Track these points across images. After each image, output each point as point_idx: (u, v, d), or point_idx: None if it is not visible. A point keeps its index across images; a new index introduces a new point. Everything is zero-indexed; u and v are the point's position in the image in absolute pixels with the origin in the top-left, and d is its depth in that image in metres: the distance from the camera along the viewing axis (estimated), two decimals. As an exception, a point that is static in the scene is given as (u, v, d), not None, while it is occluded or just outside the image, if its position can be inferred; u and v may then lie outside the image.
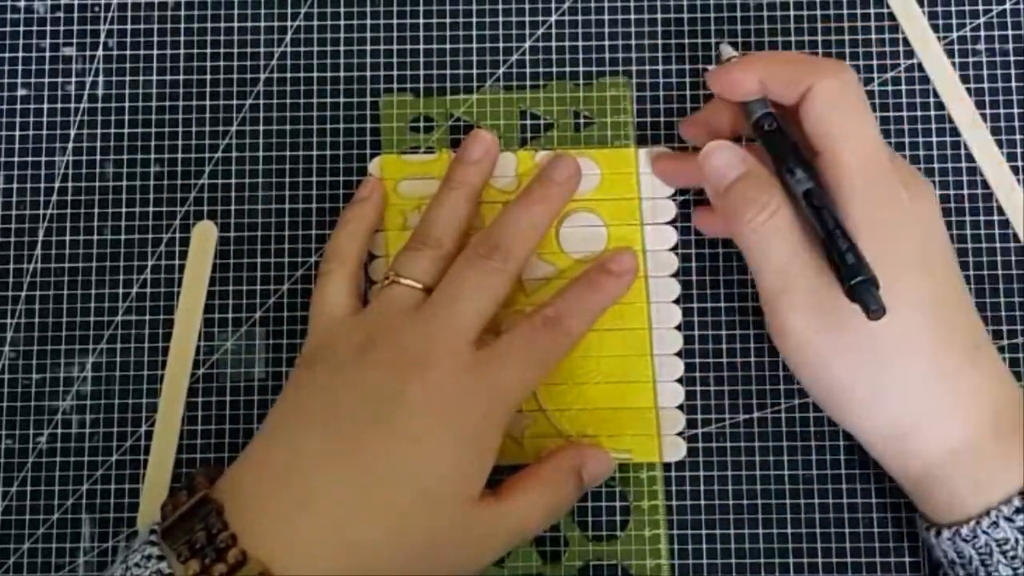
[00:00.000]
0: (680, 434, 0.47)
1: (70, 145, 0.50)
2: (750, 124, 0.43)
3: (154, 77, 0.50)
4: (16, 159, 0.50)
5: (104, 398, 0.48)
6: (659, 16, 0.50)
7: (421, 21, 0.50)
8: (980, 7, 0.50)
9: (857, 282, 0.39)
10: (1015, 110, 0.49)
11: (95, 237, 0.49)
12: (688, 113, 0.49)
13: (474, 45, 0.50)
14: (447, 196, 0.46)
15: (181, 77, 0.50)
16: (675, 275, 0.47)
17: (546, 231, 0.46)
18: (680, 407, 0.47)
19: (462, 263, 0.44)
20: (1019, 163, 0.49)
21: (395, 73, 0.50)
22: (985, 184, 0.48)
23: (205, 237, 0.49)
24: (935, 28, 0.50)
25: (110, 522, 0.47)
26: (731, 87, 0.44)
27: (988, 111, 0.49)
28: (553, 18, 0.50)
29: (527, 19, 0.50)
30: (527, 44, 0.50)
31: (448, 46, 0.50)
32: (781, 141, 0.42)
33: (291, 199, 0.49)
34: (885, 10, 0.50)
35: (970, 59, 0.49)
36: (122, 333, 0.48)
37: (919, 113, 0.49)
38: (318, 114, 0.50)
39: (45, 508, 0.47)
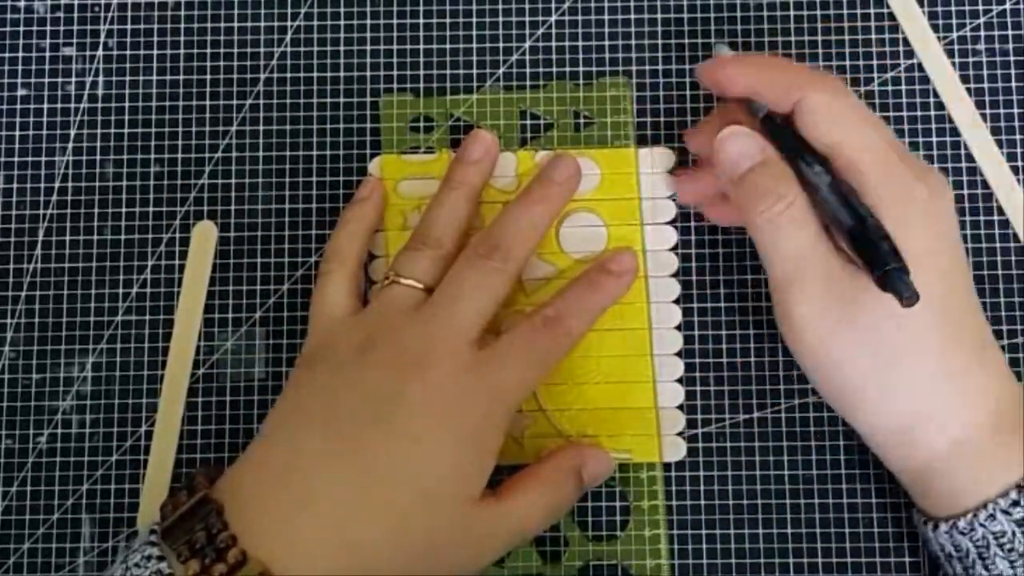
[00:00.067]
0: (680, 434, 0.47)
1: (70, 145, 0.50)
2: (759, 120, 0.43)
3: (154, 77, 0.50)
4: (16, 159, 0.50)
5: (104, 398, 0.48)
6: (659, 16, 0.50)
7: (421, 21, 0.50)
8: (980, 7, 0.50)
9: (891, 268, 0.39)
10: (1015, 110, 0.49)
11: (95, 237, 0.49)
12: (688, 113, 0.49)
13: (474, 45, 0.50)
14: (447, 196, 0.46)
15: (181, 77, 0.50)
16: (675, 275, 0.47)
17: (546, 231, 0.46)
18: (680, 407, 0.47)
19: (462, 263, 0.44)
20: (1019, 163, 0.49)
21: (395, 73, 0.50)
22: (985, 184, 0.48)
23: (205, 237, 0.49)
24: (935, 28, 0.50)
25: (110, 522, 0.47)
26: (725, 82, 0.43)
27: (988, 111, 0.49)
28: (553, 18, 0.50)
29: (527, 19, 0.50)
30: (527, 44, 0.50)
31: (448, 46, 0.50)
32: (794, 135, 0.42)
33: (291, 199, 0.49)
34: (885, 10, 0.50)
35: (970, 59, 0.49)
36: (122, 333, 0.48)
37: (919, 113, 0.49)
38: (318, 114, 0.50)
39: (45, 508, 0.47)
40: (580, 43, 0.50)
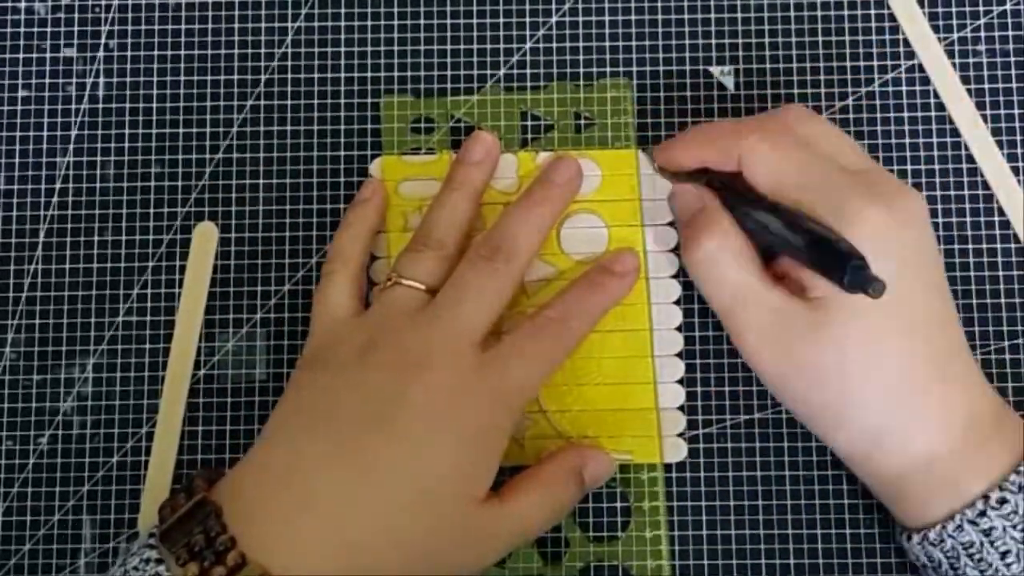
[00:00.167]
0: (681, 435, 0.47)
1: (71, 146, 0.50)
2: (703, 183, 0.45)
3: (155, 78, 0.50)
4: (17, 160, 0.50)
5: (105, 399, 0.48)
6: (659, 17, 0.50)
7: (421, 22, 0.50)
8: (980, 8, 0.50)
9: (851, 264, 0.39)
10: (1015, 110, 0.49)
11: (96, 238, 0.49)
12: (688, 114, 0.49)
13: (474, 46, 0.50)
14: (448, 197, 0.46)
15: (182, 78, 0.50)
16: (676, 276, 0.47)
17: (548, 233, 0.46)
18: (681, 408, 0.47)
19: (466, 265, 0.44)
20: (1019, 163, 0.49)
21: (396, 74, 0.50)
22: (985, 184, 0.49)
23: (206, 238, 0.49)
24: (935, 29, 0.50)
25: (111, 523, 0.47)
26: (675, 164, 0.46)
27: (988, 111, 0.49)
28: (554, 19, 0.50)
29: (527, 20, 0.50)
30: (528, 45, 0.50)
31: (448, 47, 0.50)
32: (736, 188, 0.44)
33: (292, 200, 0.49)
34: (885, 10, 0.50)
35: (970, 60, 0.49)
36: (123, 334, 0.48)
37: (919, 113, 0.49)
38: (319, 115, 0.50)
39: (46, 509, 0.47)
40: (581, 44, 0.50)
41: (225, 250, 0.49)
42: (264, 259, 0.49)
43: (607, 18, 0.50)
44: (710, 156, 0.45)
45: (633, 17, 0.50)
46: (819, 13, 0.50)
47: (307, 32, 0.50)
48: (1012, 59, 0.49)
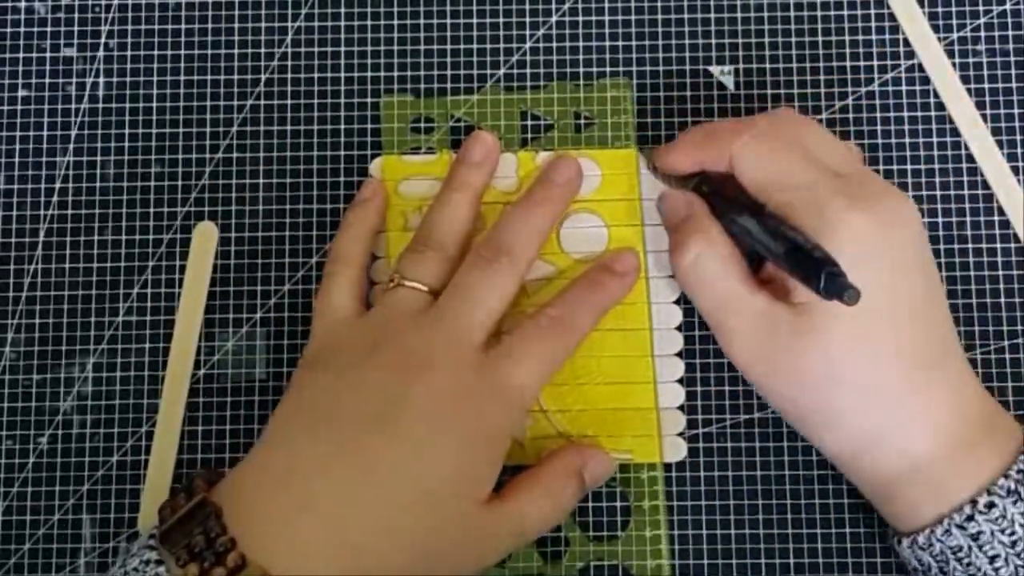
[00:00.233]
0: (681, 434, 0.47)
1: (71, 146, 0.50)
2: (691, 188, 0.46)
3: (155, 78, 0.50)
4: (17, 160, 0.50)
5: (105, 399, 0.48)
6: (659, 17, 0.50)
7: (421, 22, 0.50)
8: (980, 7, 0.50)
9: (825, 272, 0.39)
10: (1015, 110, 0.49)
11: (96, 238, 0.49)
12: (688, 114, 0.49)
13: (474, 45, 0.50)
14: (449, 198, 0.46)
15: (182, 78, 0.50)
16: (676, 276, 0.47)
17: (549, 233, 0.46)
18: (681, 408, 0.47)
19: (468, 267, 0.44)
20: (1019, 163, 0.49)
21: (395, 74, 0.50)
22: (985, 184, 0.49)
23: (206, 238, 0.49)
24: (935, 28, 0.50)
25: (111, 523, 0.47)
26: (672, 169, 0.46)
27: (988, 111, 0.49)
28: (553, 19, 0.50)
29: (527, 19, 0.50)
30: (527, 45, 0.50)
31: (448, 46, 0.50)
32: (723, 193, 0.45)
33: (292, 200, 0.49)
34: (885, 10, 0.50)
35: (970, 59, 0.49)
36: (123, 334, 0.48)
37: (919, 113, 0.49)
38: (319, 115, 0.50)
39: (46, 509, 0.47)
40: (581, 44, 0.50)
41: (225, 250, 0.49)
42: (264, 259, 0.49)
43: (607, 18, 0.50)
44: (705, 157, 0.45)
45: (633, 17, 0.50)
46: (819, 13, 0.50)
47: (307, 32, 0.50)
48: (1012, 59, 0.49)
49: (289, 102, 0.50)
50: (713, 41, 0.50)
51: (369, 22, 0.50)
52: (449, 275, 0.44)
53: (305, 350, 0.45)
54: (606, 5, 0.50)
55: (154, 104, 0.50)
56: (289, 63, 0.50)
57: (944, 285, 0.47)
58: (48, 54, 0.50)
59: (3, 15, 0.51)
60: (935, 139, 0.49)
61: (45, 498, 0.48)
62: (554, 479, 0.44)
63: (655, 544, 0.46)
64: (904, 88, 0.49)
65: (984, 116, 0.49)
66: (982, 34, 0.49)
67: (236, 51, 0.50)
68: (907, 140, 0.49)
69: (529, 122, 0.49)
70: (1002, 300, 0.48)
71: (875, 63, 0.49)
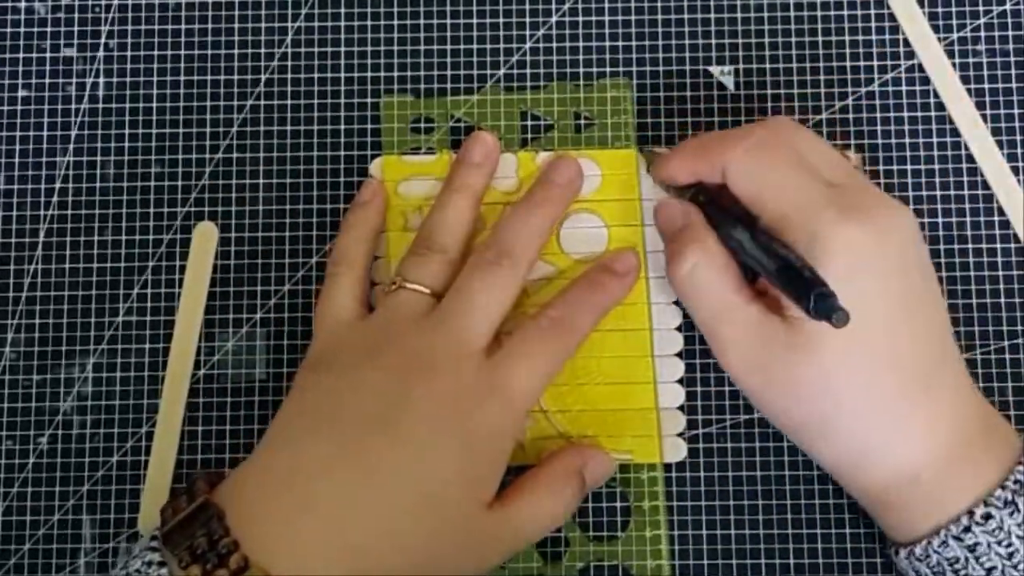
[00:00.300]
0: (681, 435, 0.47)
1: (71, 146, 0.50)
2: (688, 198, 0.46)
3: (155, 78, 0.50)
4: (17, 160, 0.50)
5: (105, 399, 0.48)
6: (659, 16, 0.50)
7: (421, 22, 0.50)
8: (980, 7, 0.50)
9: (815, 293, 0.38)
10: (1015, 110, 0.49)
11: (96, 238, 0.49)
12: (688, 114, 0.49)
13: (474, 46, 0.50)
14: (450, 199, 0.46)
15: (182, 78, 0.50)
16: (676, 276, 0.47)
17: (550, 234, 0.46)
18: (681, 408, 0.47)
19: (470, 270, 0.44)
20: (1019, 163, 0.49)
21: (395, 74, 0.50)
22: (985, 184, 0.49)
23: (206, 238, 0.49)
24: (935, 28, 0.50)
25: (111, 523, 0.47)
26: (670, 179, 0.46)
27: (988, 111, 0.49)
28: (553, 19, 0.50)
29: (527, 20, 0.50)
30: (527, 45, 0.50)
31: (448, 47, 0.50)
32: (718, 204, 0.45)
33: (292, 200, 0.49)
34: (885, 10, 0.50)
35: (970, 59, 0.49)
36: (123, 334, 0.48)
37: (919, 113, 0.49)
38: (319, 115, 0.50)
39: (46, 509, 0.47)
40: (581, 44, 0.50)
41: (225, 250, 0.49)
42: (264, 259, 0.49)
43: (607, 18, 0.50)
44: (701, 169, 0.44)
45: (633, 17, 0.50)
46: (819, 13, 0.50)
47: (307, 32, 0.50)
48: (1012, 59, 0.49)
49: (289, 102, 0.50)
50: (713, 41, 0.50)
51: (369, 22, 0.50)
52: (451, 277, 0.44)
53: (307, 352, 0.45)
54: (606, 5, 0.50)
55: (154, 104, 0.50)
56: (289, 63, 0.50)
57: (944, 292, 0.47)
58: (48, 54, 0.50)
59: (3, 15, 0.51)
60: (935, 139, 0.49)
61: (45, 498, 0.48)
62: (555, 480, 0.44)
63: (655, 544, 0.46)
64: (904, 88, 0.49)
65: (984, 116, 0.49)
66: (982, 34, 0.49)
67: (236, 51, 0.50)
68: (907, 140, 0.49)
69: (529, 122, 0.49)
70: (1002, 300, 0.48)
71: (875, 63, 0.49)
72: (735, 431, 0.47)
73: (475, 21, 0.50)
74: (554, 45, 0.50)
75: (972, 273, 0.48)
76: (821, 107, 0.49)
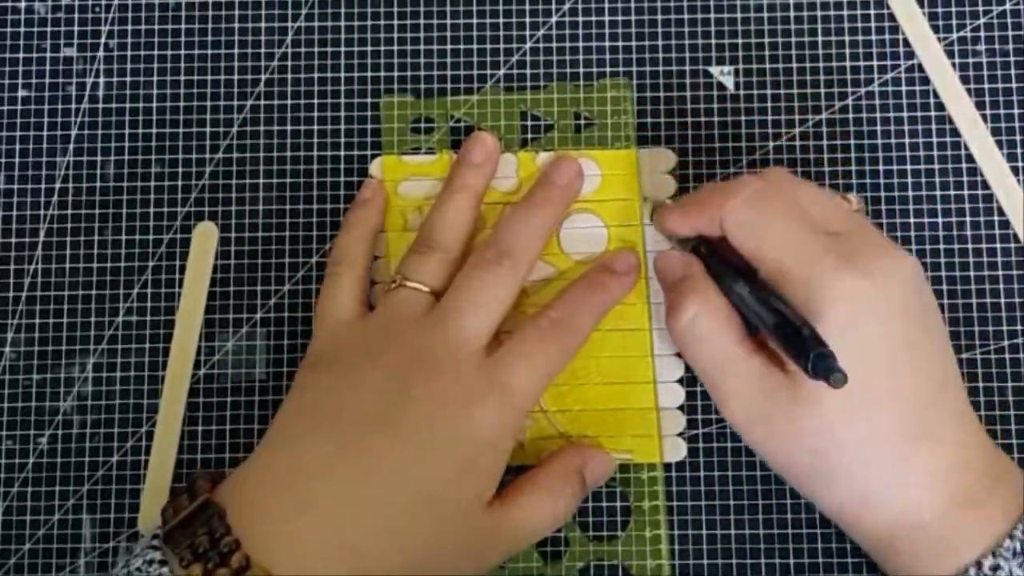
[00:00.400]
0: (681, 435, 0.47)
1: (71, 146, 0.50)
2: (689, 249, 0.46)
3: (155, 78, 0.50)
4: (17, 160, 0.50)
5: (105, 399, 0.48)
6: (659, 16, 0.50)
7: (421, 22, 0.50)
8: (980, 8, 0.50)
9: (813, 354, 0.38)
10: (1015, 110, 0.49)
11: (96, 238, 0.49)
12: (688, 114, 0.49)
13: (474, 46, 0.50)
14: (450, 199, 0.46)
15: (182, 78, 0.50)
16: (675, 276, 0.47)
17: (551, 234, 0.46)
18: (681, 408, 0.47)
19: (470, 269, 0.44)
20: (1019, 163, 0.49)
21: (395, 74, 0.50)
22: (985, 184, 0.49)
23: (206, 238, 0.49)
24: (935, 28, 0.50)
25: (111, 523, 0.47)
26: (671, 231, 0.46)
27: (988, 111, 0.49)
28: (553, 19, 0.50)
29: (527, 20, 0.50)
30: (527, 45, 0.50)
31: (448, 47, 0.50)
32: (718, 260, 0.44)
33: (292, 200, 0.49)
34: (885, 10, 0.50)
35: (970, 60, 0.49)
36: (123, 334, 0.48)
37: (919, 113, 0.49)
38: (319, 115, 0.50)
39: (46, 509, 0.47)
40: (580, 44, 0.50)
41: (225, 250, 0.49)
42: (264, 259, 0.49)
43: (607, 18, 0.50)
44: (700, 223, 0.44)
45: (633, 17, 0.50)
46: (819, 13, 0.50)
47: (307, 32, 0.50)
48: (1012, 59, 0.49)
49: (289, 102, 0.50)
50: (713, 41, 0.50)
51: (369, 22, 0.50)
52: (451, 276, 0.44)
53: (307, 351, 0.45)
54: (606, 5, 0.50)
55: (154, 104, 0.50)
56: (289, 63, 0.50)
57: (944, 292, 0.47)
58: (48, 54, 0.50)
59: (3, 15, 0.51)
60: (935, 139, 0.49)
61: (45, 498, 0.48)
62: (555, 480, 0.44)
63: (655, 544, 0.46)
64: (904, 88, 0.49)
65: (984, 116, 0.49)
66: (982, 34, 0.49)
67: (236, 51, 0.50)
68: (907, 140, 0.49)
69: (529, 122, 0.49)
70: (1002, 300, 0.48)
71: (875, 63, 0.49)
72: (735, 431, 0.47)
73: (475, 21, 0.50)
74: (554, 45, 0.50)
75: (972, 273, 0.48)
76: (821, 107, 0.49)
